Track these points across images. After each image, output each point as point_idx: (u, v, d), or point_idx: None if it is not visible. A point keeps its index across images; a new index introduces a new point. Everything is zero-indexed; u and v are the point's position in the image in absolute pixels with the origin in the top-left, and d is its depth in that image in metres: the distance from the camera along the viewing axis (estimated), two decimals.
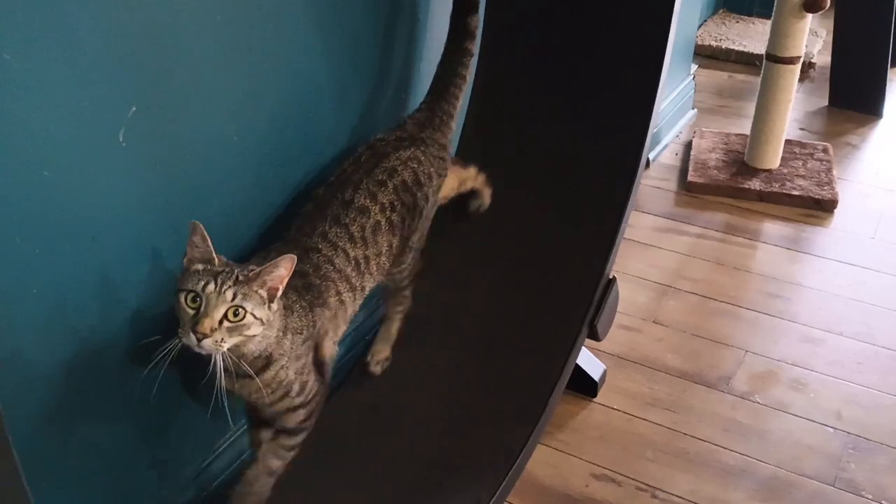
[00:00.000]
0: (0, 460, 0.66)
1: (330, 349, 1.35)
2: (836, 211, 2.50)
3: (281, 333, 1.19)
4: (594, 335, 1.67)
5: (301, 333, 1.23)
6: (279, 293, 1.14)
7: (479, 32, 1.60)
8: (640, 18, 1.64)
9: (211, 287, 1.08)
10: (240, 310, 1.08)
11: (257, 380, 1.18)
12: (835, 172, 2.62)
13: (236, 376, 1.17)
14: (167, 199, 1.22)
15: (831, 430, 1.76)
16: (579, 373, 1.80)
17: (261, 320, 1.11)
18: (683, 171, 2.69)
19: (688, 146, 2.82)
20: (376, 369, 1.64)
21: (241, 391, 1.22)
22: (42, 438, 1.13)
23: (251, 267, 1.13)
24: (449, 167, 1.58)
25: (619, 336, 1.99)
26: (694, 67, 3.08)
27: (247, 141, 1.34)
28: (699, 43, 3.49)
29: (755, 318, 2.09)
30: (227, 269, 1.11)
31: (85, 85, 1.04)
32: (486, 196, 1.75)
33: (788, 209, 2.52)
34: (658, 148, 2.80)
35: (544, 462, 1.68)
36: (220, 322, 1.07)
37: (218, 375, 1.10)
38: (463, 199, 1.73)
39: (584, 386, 1.84)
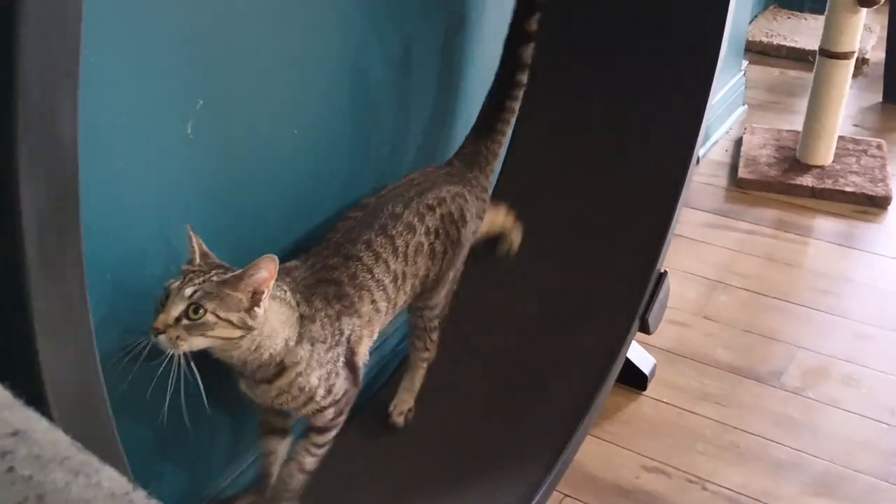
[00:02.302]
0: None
1: (363, 356, 1.33)
2: (889, 208, 2.47)
3: (292, 343, 1.17)
4: (645, 328, 1.68)
5: (324, 342, 1.21)
6: (265, 296, 1.10)
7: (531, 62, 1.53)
8: (695, 14, 1.65)
9: (176, 285, 1.06)
10: (200, 308, 1.04)
11: (271, 386, 1.18)
12: (889, 169, 2.60)
13: (255, 382, 1.18)
14: (229, 191, 1.26)
15: (885, 426, 1.75)
16: (629, 366, 1.81)
17: (229, 322, 1.07)
18: (734, 167, 2.68)
19: (738, 142, 2.81)
20: (398, 420, 1.58)
21: (262, 397, 1.22)
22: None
23: (233, 270, 1.10)
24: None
25: (668, 331, 1.99)
26: (744, 63, 3.07)
27: (304, 134, 1.38)
28: (750, 39, 3.46)
29: (807, 314, 2.08)
30: (202, 270, 1.09)
31: (155, 79, 1.08)
32: (516, 239, 1.71)
33: (841, 206, 2.50)
34: (708, 144, 2.79)
35: (594, 453, 1.70)
36: (178, 319, 1.04)
37: (171, 375, 1.06)
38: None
39: (635, 379, 1.85)
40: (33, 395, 0.47)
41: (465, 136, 1.59)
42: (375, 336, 1.34)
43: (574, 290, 1.73)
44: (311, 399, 1.22)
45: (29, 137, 0.65)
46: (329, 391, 1.24)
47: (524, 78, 1.54)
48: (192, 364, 1.07)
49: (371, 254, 1.30)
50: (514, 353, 1.69)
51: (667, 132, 1.70)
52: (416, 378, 1.59)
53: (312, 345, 1.19)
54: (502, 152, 1.57)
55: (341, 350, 1.25)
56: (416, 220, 1.37)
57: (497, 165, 1.58)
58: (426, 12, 1.59)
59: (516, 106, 1.56)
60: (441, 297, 1.50)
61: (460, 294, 1.57)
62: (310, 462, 1.31)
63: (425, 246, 1.38)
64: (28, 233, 0.66)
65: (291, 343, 1.16)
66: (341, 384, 1.26)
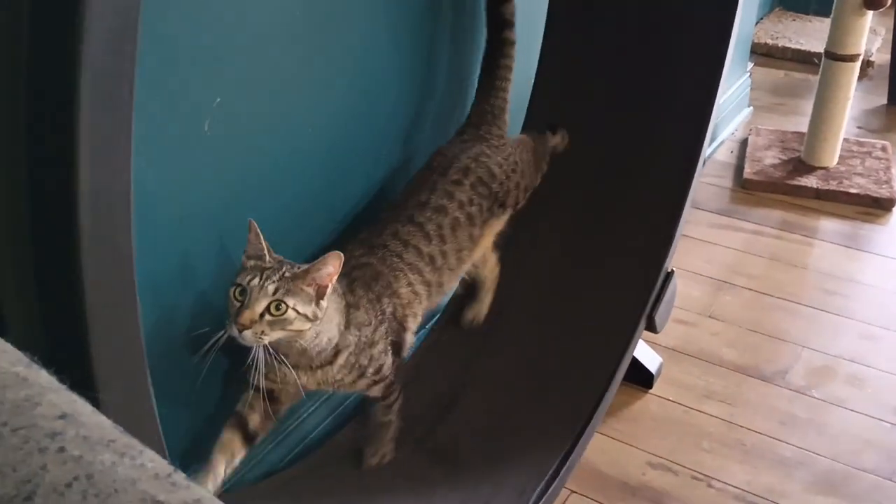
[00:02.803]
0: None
1: (409, 339, 1.40)
2: (894, 209, 2.49)
3: (343, 328, 1.24)
4: (652, 327, 1.69)
5: (369, 325, 1.28)
6: (329, 290, 1.17)
7: (515, 20, 1.57)
8: (703, 16, 1.66)
9: (255, 281, 1.12)
10: (282, 304, 1.11)
11: (332, 367, 1.25)
12: (893, 171, 2.61)
13: (311, 369, 1.24)
14: (246, 188, 1.28)
15: (889, 425, 1.77)
16: (636, 364, 1.82)
17: (305, 316, 1.14)
18: (739, 168, 2.70)
19: (743, 144, 2.82)
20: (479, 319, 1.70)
21: (321, 381, 1.27)
22: None
23: (300, 265, 1.16)
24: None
25: (674, 330, 2.01)
26: (750, 65, 3.08)
27: (319, 133, 1.40)
28: (755, 41, 3.47)
29: (812, 315, 2.09)
30: (274, 266, 1.15)
31: (173, 77, 1.10)
32: (485, 304, 1.71)
33: (846, 207, 2.51)
34: (714, 145, 2.81)
35: (601, 450, 1.71)
36: (262, 315, 1.11)
37: (255, 368, 1.14)
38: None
39: (641, 377, 1.86)
40: (80, 383, 0.49)
41: None
42: (420, 318, 1.40)
43: (582, 289, 1.75)
44: (362, 376, 1.30)
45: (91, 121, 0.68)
46: (378, 370, 1.32)
47: (512, 35, 1.58)
48: (275, 352, 1.15)
49: (398, 241, 1.36)
50: (523, 351, 1.71)
51: (674, 133, 1.72)
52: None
53: (360, 329, 1.27)
54: (508, 105, 1.60)
55: (387, 327, 1.32)
56: (445, 200, 1.41)
57: (507, 116, 1.61)
58: (437, 9, 1.61)
59: (511, 63, 1.59)
60: (511, 200, 1.56)
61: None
62: (391, 414, 1.43)
63: (462, 219, 1.43)
64: (83, 222, 0.69)
65: (342, 328, 1.24)
66: (388, 364, 1.34)
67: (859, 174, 2.59)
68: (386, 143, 1.58)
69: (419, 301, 1.38)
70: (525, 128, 1.84)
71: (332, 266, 1.15)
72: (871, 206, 2.50)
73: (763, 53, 3.51)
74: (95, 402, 0.48)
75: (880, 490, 1.62)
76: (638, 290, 1.69)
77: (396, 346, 1.36)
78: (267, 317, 1.11)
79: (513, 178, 1.54)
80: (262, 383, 1.23)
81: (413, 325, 1.39)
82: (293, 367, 1.21)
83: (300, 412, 1.55)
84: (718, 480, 1.65)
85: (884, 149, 2.72)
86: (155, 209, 1.13)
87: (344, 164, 1.48)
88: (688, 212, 1.70)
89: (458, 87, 1.74)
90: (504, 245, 1.72)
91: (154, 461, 0.45)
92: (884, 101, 3.12)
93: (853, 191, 2.52)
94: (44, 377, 0.48)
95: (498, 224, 1.57)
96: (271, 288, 1.11)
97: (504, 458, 1.55)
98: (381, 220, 1.41)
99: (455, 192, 1.43)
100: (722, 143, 2.86)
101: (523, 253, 1.79)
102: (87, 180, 0.68)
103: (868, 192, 2.51)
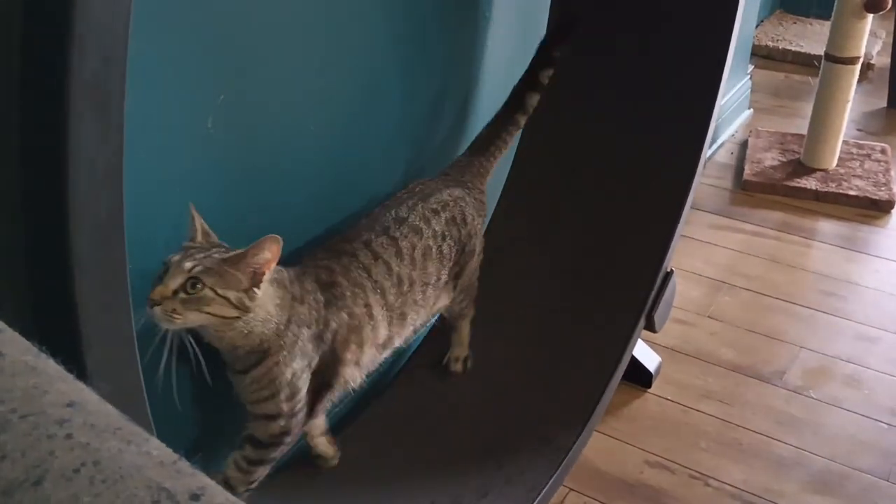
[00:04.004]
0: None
1: (350, 372, 1.27)
2: (893, 211, 2.50)
3: (282, 326, 1.14)
4: (651, 326, 1.70)
5: (309, 328, 1.17)
6: (265, 277, 1.09)
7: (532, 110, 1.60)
8: (703, 17, 1.67)
9: (176, 258, 1.04)
10: (198, 283, 1.03)
11: (247, 376, 1.15)
12: (892, 173, 2.62)
13: (234, 371, 1.16)
14: (248, 185, 1.29)
15: (885, 426, 1.78)
16: (635, 364, 1.83)
17: (226, 300, 1.05)
18: (739, 169, 2.71)
19: (743, 145, 2.83)
20: (457, 368, 1.66)
21: (237, 387, 1.18)
22: None
23: (234, 250, 1.09)
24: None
25: (673, 330, 2.02)
26: (750, 67, 3.09)
27: (321, 132, 1.41)
28: (756, 43, 3.48)
29: (810, 316, 2.10)
30: (203, 247, 1.08)
31: (176, 74, 1.11)
32: (464, 341, 1.65)
33: (845, 209, 2.52)
34: (714, 147, 2.82)
35: (599, 449, 1.72)
36: (176, 293, 1.02)
37: (164, 353, 1.04)
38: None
39: (640, 377, 1.87)
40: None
41: (478, 132, 1.62)
42: (366, 356, 1.28)
43: (582, 288, 1.76)
44: (273, 396, 1.17)
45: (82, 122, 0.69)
46: (292, 396, 1.18)
47: (522, 120, 1.59)
48: (191, 340, 1.07)
49: (368, 253, 1.28)
50: (522, 350, 1.72)
51: (675, 135, 1.73)
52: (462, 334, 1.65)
53: (298, 327, 1.16)
54: (493, 170, 1.60)
55: (323, 347, 1.20)
56: (422, 223, 1.37)
57: (490, 179, 1.61)
58: (443, 12, 1.62)
59: (511, 140, 1.61)
60: (457, 295, 1.51)
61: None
62: (235, 476, 1.21)
63: (434, 250, 1.37)
64: (75, 217, 0.70)
65: (281, 327, 1.14)
66: (302, 397, 1.20)
67: (858, 176, 2.60)
68: (388, 142, 1.59)
69: (372, 328, 1.26)
70: (524, 134, 1.85)
71: (268, 251, 1.07)
72: (869, 209, 2.51)
73: (764, 56, 3.52)
74: None
75: (876, 490, 1.63)
76: (637, 289, 1.70)
77: (319, 380, 1.22)
78: (181, 294, 1.02)
79: (474, 240, 1.50)
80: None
81: (352, 356, 1.25)
82: (229, 367, 1.16)
83: None
84: (715, 479, 1.66)
85: (883, 151, 2.73)
86: (157, 205, 1.14)
87: (347, 162, 1.49)
88: (687, 212, 1.71)
89: (461, 85, 1.75)
90: (503, 246, 1.74)
91: (159, 449, 0.46)
92: (883, 103, 3.13)
93: (852, 193, 2.53)
94: (52, 366, 0.48)
95: (445, 299, 1.47)
96: (188, 265, 1.03)
97: (503, 457, 1.56)
98: (357, 226, 1.35)
99: (432, 220, 1.39)
100: (722, 144, 2.87)
101: (523, 252, 1.80)
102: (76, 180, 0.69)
103: (867, 195, 2.52)
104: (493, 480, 1.53)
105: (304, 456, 1.54)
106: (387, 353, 1.35)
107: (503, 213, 1.82)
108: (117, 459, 0.43)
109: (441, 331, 1.76)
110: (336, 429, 1.61)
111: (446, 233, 1.41)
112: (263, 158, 1.31)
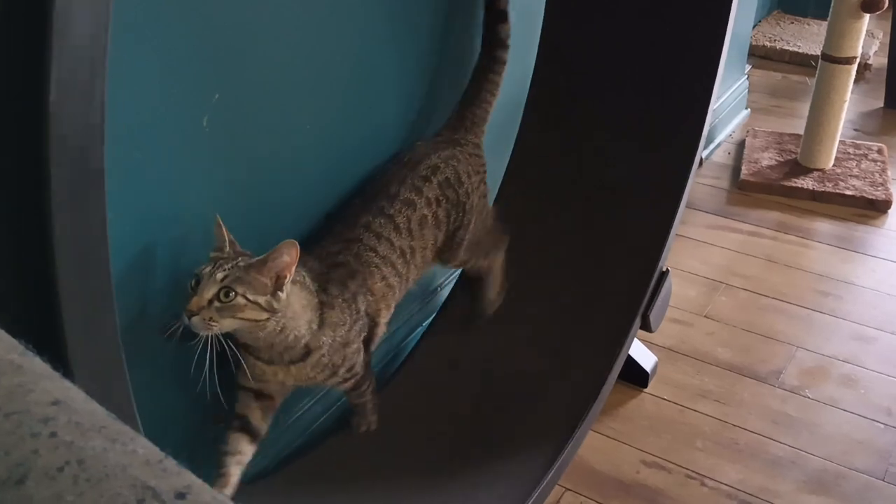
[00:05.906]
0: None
1: (380, 331, 1.40)
2: (889, 211, 2.50)
3: (315, 327, 1.23)
4: (647, 326, 1.70)
5: (344, 325, 1.28)
6: (288, 280, 1.16)
7: (510, 42, 1.60)
8: (697, 17, 1.67)
9: (207, 270, 1.12)
10: (231, 291, 1.10)
11: (305, 364, 1.25)
12: (889, 173, 2.62)
13: (284, 364, 1.24)
14: (244, 184, 1.29)
15: (881, 425, 1.78)
16: (631, 363, 1.83)
17: (258, 304, 1.13)
18: (736, 169, 2.71)
19: (740, 145, 2.83)
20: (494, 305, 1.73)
21: (297, 378, 1.28)
22: None
23: (257, 256, 1.15)
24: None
25: (670, 329, 2.02)
26: (748, 68, 3.09)
27: (317, 130, 1.41)
28: (753, 43, 3.49)
29: (806, 315, 2.10)
30: (229, 256, 1.15)
31: (171, 73, 1.10)
32: (492, 294, 1.72)
33: (841, 209, 2.52)
34: (711, 147, 2.82)
35: (596, 448, 1.72)
36: (211, 302, 1.10)
37: (206, 358, 1.11)
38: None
39: (636, 376, 1.87)
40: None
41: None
42: (392, 310, 1.41)
43: (578, 288, 1.75)
44: (334, 374, 1.31)
45: (59, 125, 0.68)
46: (350, 368, 1.33)
47: (504, 55, 1.59)
48: (230, 343, 1.15)
49: (371, 234, 1.35)
50: (518, 350, 1.72)
51: (670, 134, 1.72)
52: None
53: (334, 330, 1.26)
54: (489, 116, 1.61)
55: (361, 325, 1.33)
56: (413, 194, 1.41)
57: (485, 127, 1.61)
58: (436, 6, 1.61)
59: (499, 80, 1.61)
60: (462, 254, 1.54)
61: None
62: (364, 397, 1.44)
63: (429, 217, 1.43)
64: (57, 217, 0.69)
65: (314, 326, 1.23)
66: (360, 362, 1.35)
67: (855, 176, 2.60)
68: (384, 140, 1.59)
69: (392, 293, 1.39)
70: (523, 126, 1.85)
71: (286, 255, 1.14)
72: (866, 208, 2.51)
73: (761, 56, 3.52)
74: None
75: (873, 489, 1.63)
76: (633, 289, 1.70)
77: (367, 342, 1.37)
78: (216, 304, 1.10)
79: (472, 197, 1.52)
80: (249, 382, 1.26)
81: (385, 316, 1.40)
82: (267, 363, 1.23)
83: (296, 409, 1.56)
84: (712, 479, 1.66)
85: (880, 151, 2.73)
86: (152, 204, 1.13)
87: (342, 161, 1.49)
88: (683, 212, 1.71)
89: (457, 84, 1.74)
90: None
91: (146, 448, 0.46)
92: (880, 103, 3.13)
93: (849, 193, 2.53)
94: (38, 365, 0.48)
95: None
96: (220, 275, 1.10)
97: (499, 455, 1.56)
98: (351, 207, 1.41)
99: (424, 188, 1.42)
100: (720, 144, 2.87)
101: (518, 253, 1.80)
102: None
103: (863, 195, 2.52)
104: (488, 478, 1.52)
105: (305, 453, 1.54)
106: None
107: (497, 216, 1.81)
108: (102, 458, 0.43)
109: (440, 331, 1.76)
110: (337, 423, 1.62)
111: (440, 197, 1.45)
112: (259, 157, 1.31)
